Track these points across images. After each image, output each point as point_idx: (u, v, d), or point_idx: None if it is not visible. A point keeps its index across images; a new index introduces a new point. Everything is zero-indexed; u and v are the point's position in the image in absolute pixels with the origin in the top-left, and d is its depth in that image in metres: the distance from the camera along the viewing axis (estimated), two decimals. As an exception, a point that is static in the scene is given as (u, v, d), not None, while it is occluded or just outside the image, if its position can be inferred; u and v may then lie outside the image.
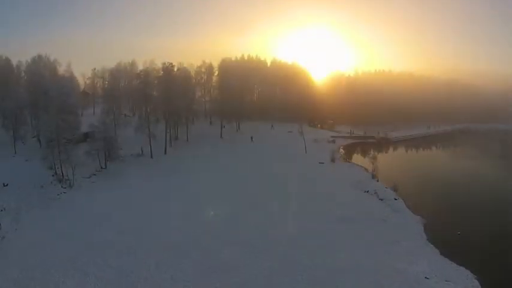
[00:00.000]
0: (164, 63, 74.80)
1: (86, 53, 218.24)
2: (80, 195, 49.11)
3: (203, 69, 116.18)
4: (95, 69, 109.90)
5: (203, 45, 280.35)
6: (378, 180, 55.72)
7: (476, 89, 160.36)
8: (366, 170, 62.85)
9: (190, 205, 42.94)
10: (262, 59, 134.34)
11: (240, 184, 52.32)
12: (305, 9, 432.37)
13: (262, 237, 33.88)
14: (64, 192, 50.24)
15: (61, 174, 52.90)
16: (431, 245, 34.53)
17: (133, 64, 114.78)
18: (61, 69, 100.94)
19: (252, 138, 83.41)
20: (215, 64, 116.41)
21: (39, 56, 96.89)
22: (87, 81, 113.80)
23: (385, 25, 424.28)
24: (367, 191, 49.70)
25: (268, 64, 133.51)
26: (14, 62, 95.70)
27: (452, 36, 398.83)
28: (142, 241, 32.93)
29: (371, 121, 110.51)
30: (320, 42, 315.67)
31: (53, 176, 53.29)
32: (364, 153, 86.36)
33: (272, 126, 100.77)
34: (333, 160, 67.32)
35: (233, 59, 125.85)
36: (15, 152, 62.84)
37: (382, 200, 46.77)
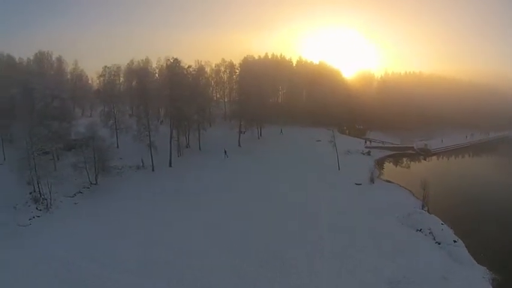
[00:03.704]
0: (168, 60, 64.50)
1: (104, 50, 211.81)
2: (54, 222, 39.73)
3: (222, 68, 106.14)
4: (105, 66, 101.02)
5: (223, 42, 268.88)
6: (429, 211, 43.46)
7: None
8: (412, 193, 50.90)
9: (185, 254, 31.54)
10: (288, 58, 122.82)
11: (255, 217, 39.73)
12: (330, 8, 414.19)
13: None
14: (38, 216, 41.00)
15: (39, 192, 43.53)
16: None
17: (147, 62, 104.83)
18: (69, 67, 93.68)
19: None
20: (236, 62, 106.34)
21: (41, 53, 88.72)
22: (101, 79, 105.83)
23: (414, 26, 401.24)
24: (420, 230, 37.94)
25: (294, 64, 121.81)
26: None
27: (480, 37, 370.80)
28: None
29: (403, 127, 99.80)
30: (346, 42, 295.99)
31: (30, 193, 44.12)
32: (405, 168, 74.97)
33: (281, 131, 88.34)
34: (372, 180, 55.30)
35: (256, 57, 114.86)
36: (4, 159, 53.72)
37: (439, 244, 35.19)
